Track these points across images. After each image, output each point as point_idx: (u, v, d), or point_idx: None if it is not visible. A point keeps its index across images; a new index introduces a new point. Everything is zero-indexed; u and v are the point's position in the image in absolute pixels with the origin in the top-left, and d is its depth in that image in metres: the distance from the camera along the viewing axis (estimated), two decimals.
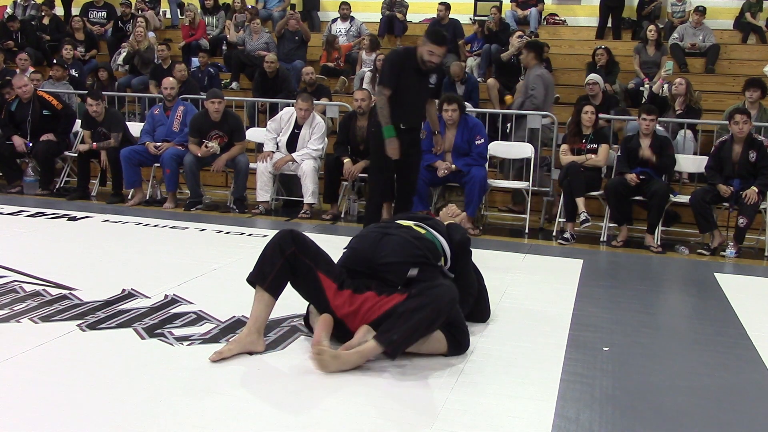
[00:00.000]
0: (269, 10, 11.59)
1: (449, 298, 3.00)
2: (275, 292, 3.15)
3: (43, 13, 11.82)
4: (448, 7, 10.20)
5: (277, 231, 3.25)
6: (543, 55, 7.98)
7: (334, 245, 3.57)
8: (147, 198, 7.30)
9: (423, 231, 3.43)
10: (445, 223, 3.75)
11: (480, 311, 3.74)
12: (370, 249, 3.29)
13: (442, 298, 2.97)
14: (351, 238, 3.54)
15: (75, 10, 12.26)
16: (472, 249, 3.68)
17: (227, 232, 5.90)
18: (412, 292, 3.04)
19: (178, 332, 3.41)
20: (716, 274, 5.17)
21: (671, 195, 6.12)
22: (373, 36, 10.25)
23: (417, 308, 2.94)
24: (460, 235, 3.63)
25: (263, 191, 6.97)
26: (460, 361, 3.19)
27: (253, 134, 7.70)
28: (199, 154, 6.90)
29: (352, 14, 10.87)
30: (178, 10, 12.06)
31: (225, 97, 7.18)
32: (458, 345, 3.19)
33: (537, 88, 7.19)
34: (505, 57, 9.06)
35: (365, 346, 2.95)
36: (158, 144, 7.17)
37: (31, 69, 9.29)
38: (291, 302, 3.33)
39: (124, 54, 10.32)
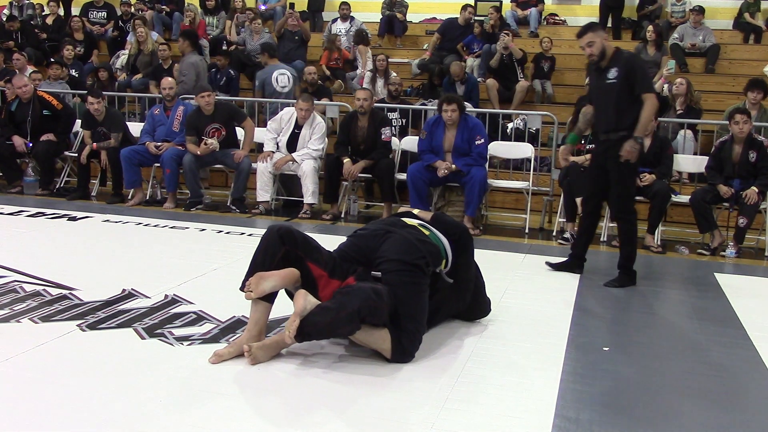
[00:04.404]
0: (271, 8, 11.58)
1: (347, 313, 2.91)
2: (271, 298, 3.15)
3: (46, 12, 11.81)
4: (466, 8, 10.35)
5: (266, 231, 3.23)
6: (198, 42, 8.74)
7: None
8: (147, 198, 7.30)
9: (427, 232, 3.41)
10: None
11: (479, 308, 3.74)
12: (371, 243, 3.31)
13: (344, 309, 2.92)
14: (356, 228, 3.56)
15: (75, 10, 12.26)
16: (473, 246, 3.64)
17: (227, 232, 5.90)
18: (341, 289, 3.07)
19: (178, 332, 3.41)
20: (716, 274, 5.17)
21: (672, 195, 6.12)
22: (361, 30, 10.20)
23: (327, 308, 2.95)
24: (460, 230, 3.59)
25: (263, 191, 6.97)
26: (459, 361, 3.19)
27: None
28: (198, 153, 6.90)
29: (352, 14, 10.86)
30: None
31: (226, 98, 7.18)
32: (402, 350, 3.10)
33: (188, 75, 8.15)
34: (494, 63, 9.10)
35: (282, 336, 3.01)
36: (158, 144, 7.16)
37: (31, 69, 9.28)
38: (291, 301, 3.33)
39: (123, 57, 10.31)
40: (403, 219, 3.55)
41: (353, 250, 3.34)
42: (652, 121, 4.72)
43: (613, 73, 4.61)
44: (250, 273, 3.12)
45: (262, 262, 3.13)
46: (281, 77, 8.59)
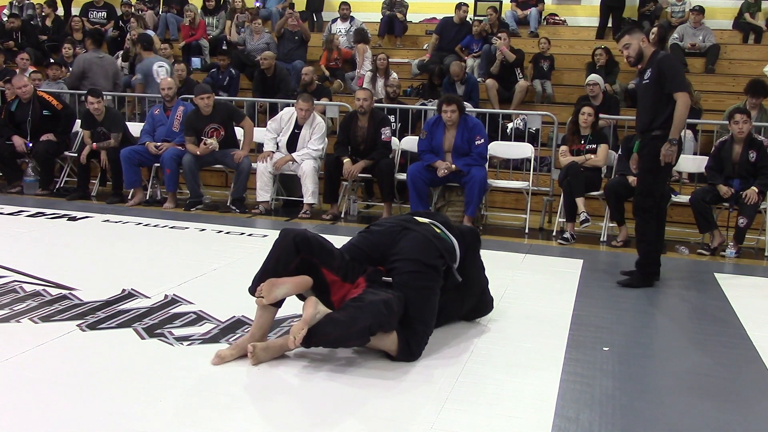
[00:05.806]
0: (268, 9, 11.60)
1: (358, 329, 2.90)
2: (279, 303, 3.14)
3: (44, 14, 11.81)
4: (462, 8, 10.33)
5: (279, 235, 3.19)
6: (102, 41, 9.26)
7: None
8: (147, 198, 7.30)
9: (438, 231, 3.41)
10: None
11: (482, 308, 3.75)
12: (386, 240, 3.29)
13: (355, 324, 2.90)
14: (368, 224, 3.53)
15: (75, 10, 12.26)
16: (479, 245, 3.68)
17: (227, 232, 5.90)
18: (352, 301, 3.04)
19: (178, 332, 3.41)
20: (716, 274, 5.17)
21: (672, 195, 6.12)
22: (360, 29, 10.19)
23: (338, 321, 2.93)
24: (469, 228, 3.67)
25: (263, 191, 6.96)
26: (459, 361, 3.19)
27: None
28: (198, 153, 6.90)
29: (352, 14, 10.86)
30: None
31: (227, 98, 7.18)
32: (409, 351, 3.11)
33: (72, 69, 8.50)
34: (494, 70, 9.08)
35: (287, 339, 2.98)
36: (158, 144, 7.16)
37: (32, 69, 9.28)
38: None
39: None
40: (415, 217, 3.54)
41: (366, 246, 3.32)
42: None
43: (648, 74, 4.64)
44: (261, 278, 3.09)
45: (274, 269, 3.10)
46: (160, 69, 8.64)
